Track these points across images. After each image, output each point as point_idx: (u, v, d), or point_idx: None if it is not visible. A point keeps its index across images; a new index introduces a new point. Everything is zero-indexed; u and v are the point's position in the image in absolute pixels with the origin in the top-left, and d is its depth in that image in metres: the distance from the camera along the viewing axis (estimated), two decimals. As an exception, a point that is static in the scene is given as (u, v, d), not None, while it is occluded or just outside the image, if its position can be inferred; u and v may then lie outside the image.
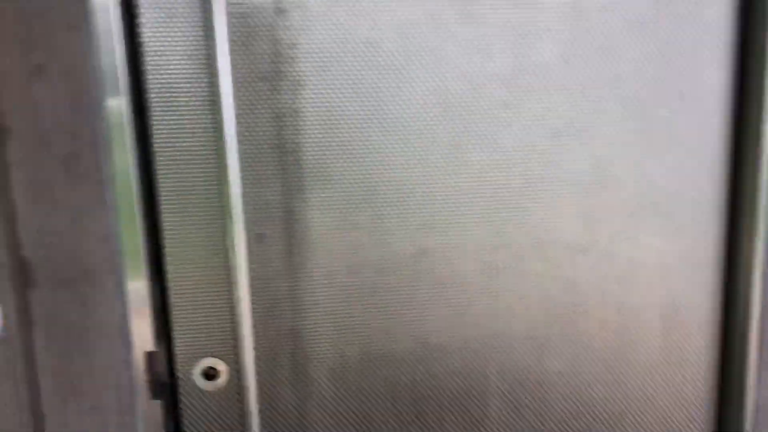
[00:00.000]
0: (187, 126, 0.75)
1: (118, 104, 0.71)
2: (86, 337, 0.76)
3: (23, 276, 0.74)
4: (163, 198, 0.76)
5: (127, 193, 0.73)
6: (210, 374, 0.82)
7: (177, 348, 0.81)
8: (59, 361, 0.76)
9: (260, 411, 0.84)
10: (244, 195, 0.78)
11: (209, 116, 0.75)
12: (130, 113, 0.71)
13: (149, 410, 0.79)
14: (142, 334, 0.77)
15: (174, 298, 0.79)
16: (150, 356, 0.77)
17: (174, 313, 0.80)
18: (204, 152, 0.76)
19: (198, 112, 0.75)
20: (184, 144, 0.75)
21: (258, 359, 0.82)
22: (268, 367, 0.82)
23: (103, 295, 0.75)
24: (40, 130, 0.70)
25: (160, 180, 0.75)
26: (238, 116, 0.76)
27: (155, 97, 0.74)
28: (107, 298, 0.75)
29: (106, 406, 0.78)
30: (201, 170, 0.76)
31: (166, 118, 0.74)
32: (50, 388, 0.77)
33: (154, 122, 0.74)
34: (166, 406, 0.80)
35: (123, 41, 0.70)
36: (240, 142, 0.76)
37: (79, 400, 0.77)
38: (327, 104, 0.78)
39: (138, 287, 0.76)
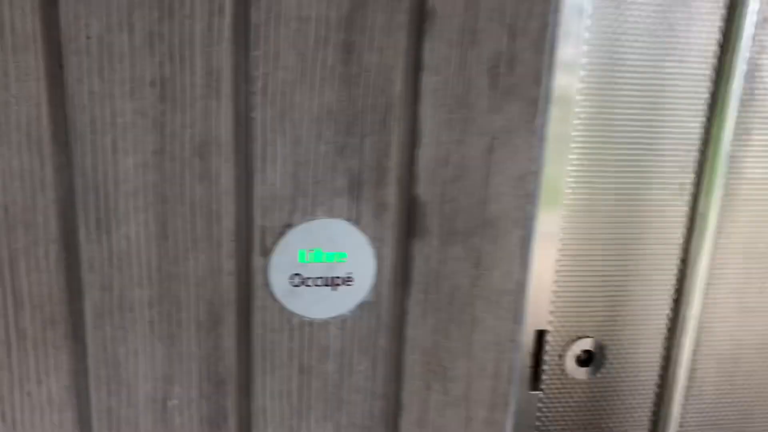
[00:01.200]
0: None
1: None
2: (471, 308, 0.59)
3: (410, 222, 0.56)
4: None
5: (565, 120, 0.55)
6: (584, 359, 0.66)
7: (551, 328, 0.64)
8: (432, 336, 0.59)
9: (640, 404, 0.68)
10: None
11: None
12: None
13: (524, 404, 0.62)
14: (539, 309, 0.60)
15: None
16: (540, 337, 0.60)
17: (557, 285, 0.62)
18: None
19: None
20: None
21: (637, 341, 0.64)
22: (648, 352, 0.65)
23: (502, 255, 0.58)
24: (469, 16, 0.51)
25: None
26: None
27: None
28: (506, 258, 0.58)
29: (476, 397, 0.61)
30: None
31: None
32: (415, 371, 0.59)
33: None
34: (542, 399, 0.64)
35: None
36: None
37: (445, 388, 0.60)
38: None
39: (547, 247, 0.58)
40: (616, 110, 0.58)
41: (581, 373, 0.64)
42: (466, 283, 0.58)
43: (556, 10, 0.53)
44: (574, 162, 0.57)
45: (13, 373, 0.52)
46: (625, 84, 0.58)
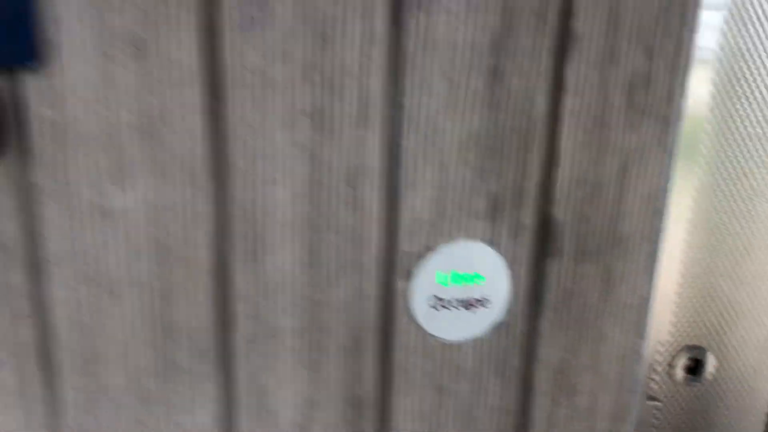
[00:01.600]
0: None
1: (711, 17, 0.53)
2: (599, 323, 0.59)
3: (545, 242, 0.56)
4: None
5: (693, 136, 0.55)
6: (693, 368, 0.67)
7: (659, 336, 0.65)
8: (562, 353, 0.60)
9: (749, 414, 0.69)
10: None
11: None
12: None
13: (641, 414, 0.63)
14: (660, 321, 0.61)
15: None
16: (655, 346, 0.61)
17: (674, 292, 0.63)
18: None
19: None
20: None
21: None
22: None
23: (630, 271, 0.58)
24: (609, 38, 0.51)
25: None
26: None
27: None
28: (633, 274, 0.58)
29: (600, 410, 0.62)
30: None
31: None
32: (544, 387, 0.60)
33: None
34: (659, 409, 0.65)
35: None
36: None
37: (572, 401, 0.61)
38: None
39: (669, 262, 0.59)
40: (742, 127, 0.59)
41: (693, 381, 0.65)
42: (594, 300, 0.58)
43: (692, 30, 0.54)
44: (700, 176, 0.58)
45: (164, 404, 0.52)
46: (754, 100, 0.58)
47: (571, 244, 0.56)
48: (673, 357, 0.65)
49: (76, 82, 0.44)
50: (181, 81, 0.45)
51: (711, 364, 0.66)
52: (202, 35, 0.45)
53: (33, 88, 0.43)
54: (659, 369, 0.65)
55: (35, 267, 0.47)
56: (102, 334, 0.49)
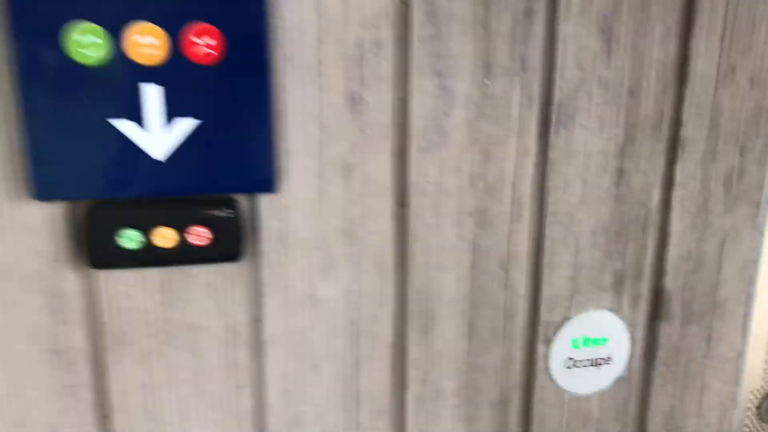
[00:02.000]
0: None
1: (792, 117, 0.63)
2: (701, 376, 0.69)
3: (658, 308, 0.66)
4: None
5: (780, 217, 0.65)
6: (777, 411, 0.76)
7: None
8: (671, 401, 0.69)
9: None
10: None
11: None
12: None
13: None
14: (754, 372, 0.70)
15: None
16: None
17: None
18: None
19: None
20: None
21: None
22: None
23: (728, 330, 0.68)
24: (710, 140, 0.62)
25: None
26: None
27: None
28: (731, 332, 0.68)
29: (703, 450, 0.71)
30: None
31: None
32: (656, 430, 0.69)
33: None
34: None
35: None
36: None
37: (680, 444, 0.70)
38: None
39: (761, 320, 0.68)
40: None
41: (778, 422, 0.74)
42: (699, 356, 0.68)
43: (777, 130, 0.64)
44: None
45: (349, 457, 0.61)
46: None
47: (678, 309, 0.66)
48: (762, 400, 0.74)
49: (298, 198, 0.54)
50: (377, 193, 0.55)
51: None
52: (395, 157, 0.55)
53: (265, 204, 0.53)
54: (749, 413, 0.74)
55: (257, 347, 0.57)
56: (304, 401, 0.59)
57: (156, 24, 0.46)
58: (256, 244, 0.55)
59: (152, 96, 0.47)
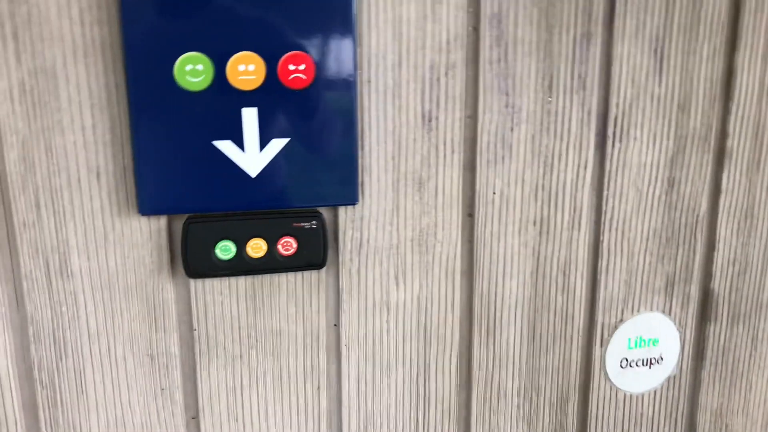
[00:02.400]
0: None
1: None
2: (747, 374, 0.72)
3: (706, 310, 0.69)
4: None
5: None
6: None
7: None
8: (719, 399, 0.72)
9: None
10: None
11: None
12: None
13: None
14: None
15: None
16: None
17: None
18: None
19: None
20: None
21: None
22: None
23: (772, 329, 0.71)
24: (755, 151, 0.65)
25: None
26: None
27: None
28: (775, 331, 0.71)
29: (750, 446, 0.74)
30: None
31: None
32: (705, 428, 0.72)
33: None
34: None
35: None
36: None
37: (728, 440, 0.73)
38: None
39: (803, 320, 0.72)
40: None
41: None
42: (744, 355, 0.71)
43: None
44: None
45: (418, 455, 0.64)
46: None
47: (725, 310, 0.69)
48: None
49: (375, 210, 0.57)
50: (446, 204, 0.59)
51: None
52: (465, 170, 0.59)
53: (345, 216, 0.57)
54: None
55: (334, 350, 0.60)
56: (377, 402, 0.62)
57: (256, 53, 0.50)
58: (335, 253, 0.58)
59: (250, 119, 0.51)
